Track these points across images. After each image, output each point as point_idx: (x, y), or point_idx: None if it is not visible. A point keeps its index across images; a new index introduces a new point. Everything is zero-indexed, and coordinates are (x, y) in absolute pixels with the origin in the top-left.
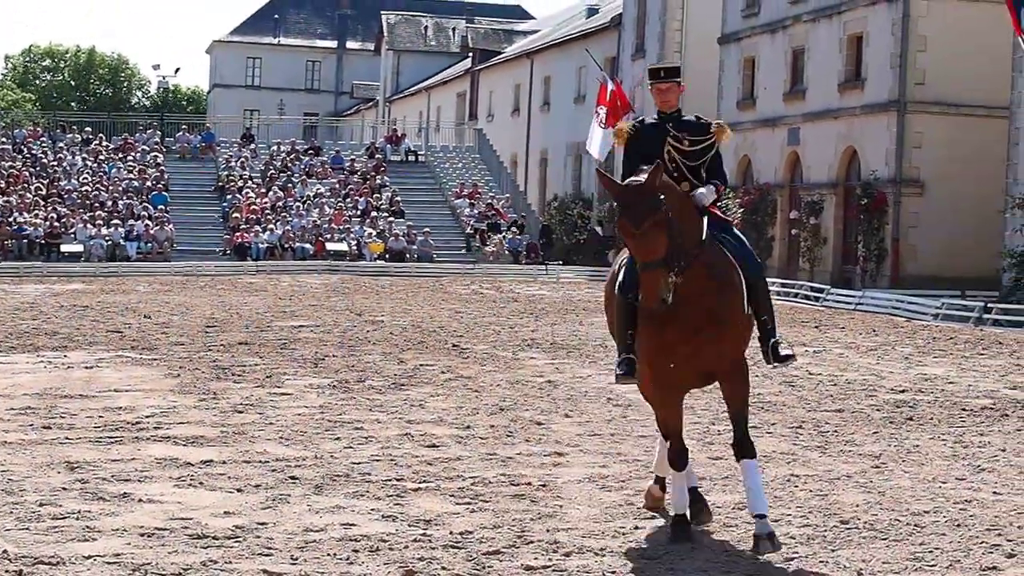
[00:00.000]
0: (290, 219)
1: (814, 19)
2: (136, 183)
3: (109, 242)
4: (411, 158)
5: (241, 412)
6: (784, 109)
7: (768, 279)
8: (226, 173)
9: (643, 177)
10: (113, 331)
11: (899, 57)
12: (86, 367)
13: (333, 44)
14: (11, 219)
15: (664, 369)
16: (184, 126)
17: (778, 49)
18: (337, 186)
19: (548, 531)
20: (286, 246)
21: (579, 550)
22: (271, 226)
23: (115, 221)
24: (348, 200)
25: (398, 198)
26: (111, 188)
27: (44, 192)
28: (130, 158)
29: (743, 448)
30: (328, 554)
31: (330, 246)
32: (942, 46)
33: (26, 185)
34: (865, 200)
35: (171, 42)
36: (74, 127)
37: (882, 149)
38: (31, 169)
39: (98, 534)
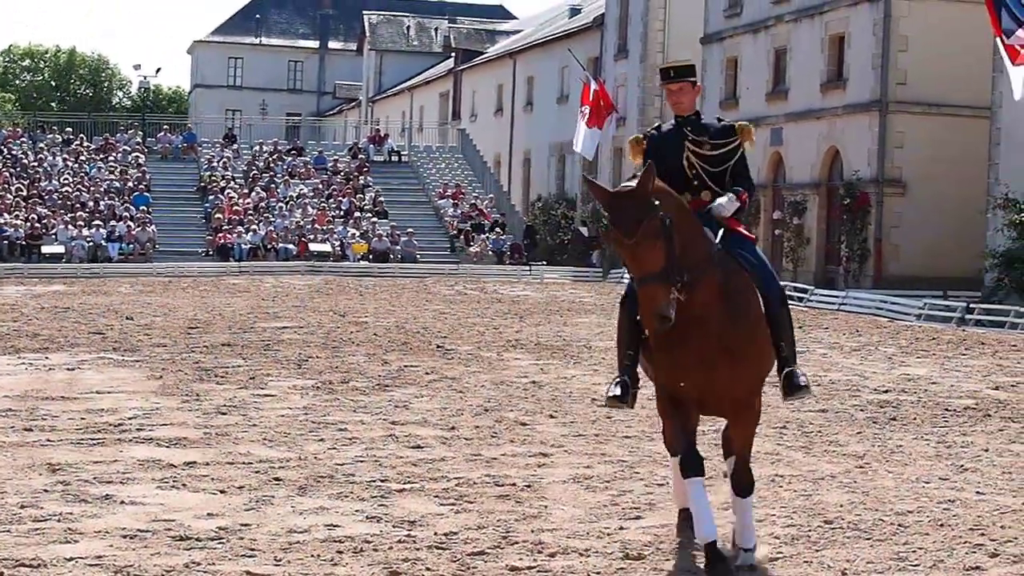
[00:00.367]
0: (273, 220)
1: (796, 19)
2: (118, 184)
3: (91, 243)
4: (394, 158)
5: (224, 413)
6: (767, 109)
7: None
8: (208, 173)
9: (635, 182)
10: (95, 332)
11: (881, 57)
12: (68, 369)
13: (315, 44)
14: None
15: (677, 389)
16: (166, 126)
17: (760, 49)
18: (320, 186)
19: (533, 532)
20: (269, 247)
21: (564, 551)
22: (254, 227)
23: (96, 222)
24: (331, 200)
25: (381, 198)
26: (92, 189)
27: (24, 193)
28: (111, 159)
29: (739, 485)
30: (312, 555)
31: (313, 247)
32: (924, 46)
33: (6, 186)
34: (848, 200)
35: (152, 42)
36: (55, 127)
37: (864, 149)
38: (11, 170)
39: (80, 536)
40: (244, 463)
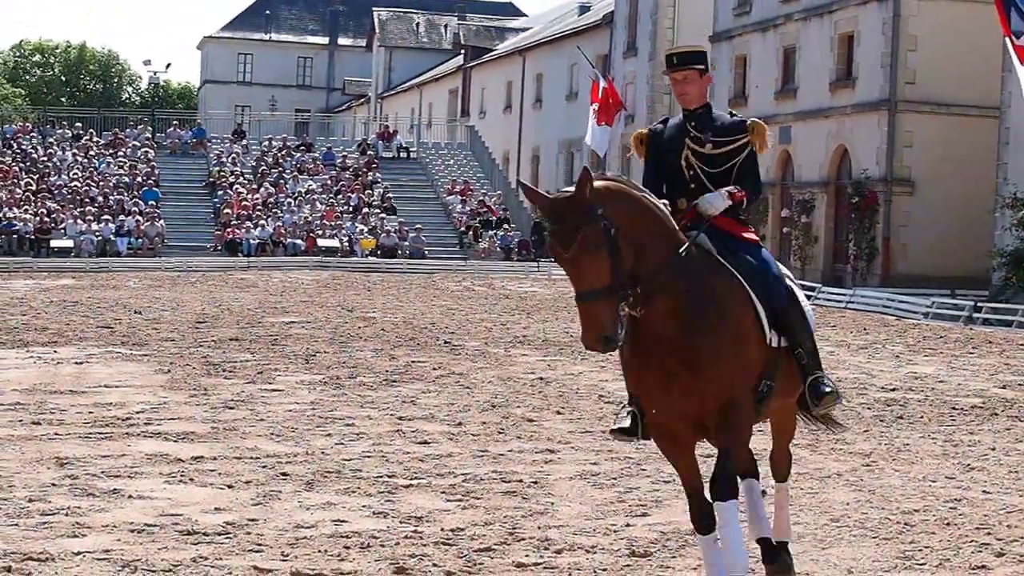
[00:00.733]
0: (281, 215)
1: (805, 18)
2: (127, 179)
3: (99, 238)
4: (403, 155)
5: (232, 408)
6: (776, 108)
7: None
8: (217, 169)
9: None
10: (103, 327)
11: (890, 56)
12: (76, 363)
13: (325, 40)
14: (1, 215)
15: (653, 417)
16: (175, 122)
17: (770, 48)
18: (329, 182)
19: (539, 528)
20: (277, 242)
21: (570, 547)
22: (262, 222)
23: (105, 217)
24: (340, 196)
25: (390, 195)
26: (101, 184)
27: (34, 187)
28: (121, 154)
29: (718, 488)
30: (319, 550)
31: (321, 242)
32: (933, 46)
33: (16, 180)
34: (856, 199)
35: (162, 38)
36: (64, 123)
37: (873, 148)
38: (21, 164)
39: (88, 530)
40: (251, 458)
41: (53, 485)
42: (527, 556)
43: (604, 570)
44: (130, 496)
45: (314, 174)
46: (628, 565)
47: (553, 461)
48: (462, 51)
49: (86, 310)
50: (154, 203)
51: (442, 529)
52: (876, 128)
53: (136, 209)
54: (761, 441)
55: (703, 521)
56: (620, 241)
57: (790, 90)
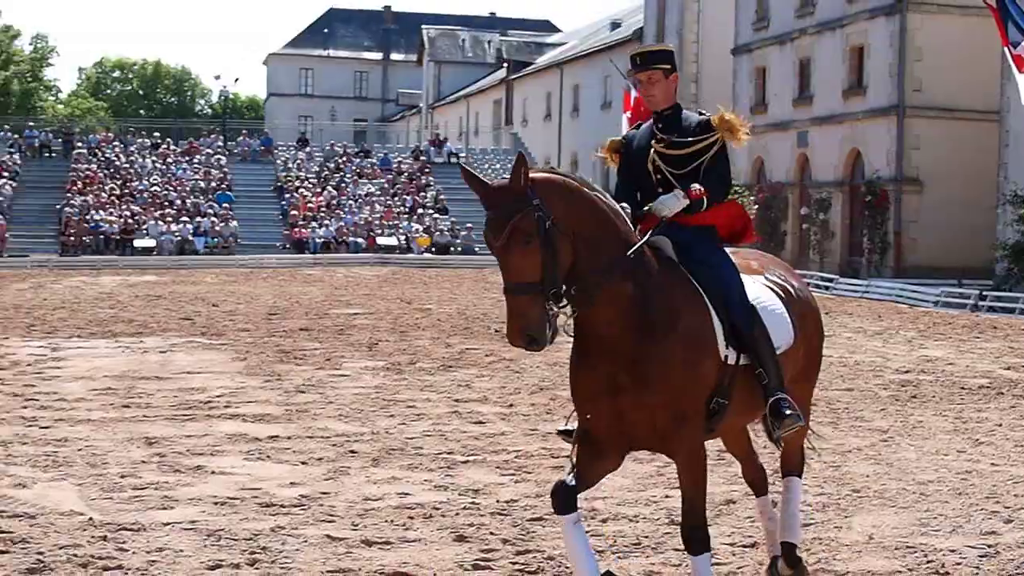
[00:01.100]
0: (344, 216)
1: (819, 31)
2: (202, 183)
3: (179, 237)
4: (453, 159)
5: (303, 392)
6: (793, 114)
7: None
8: (284, 174)
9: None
10: (184, 319)
11: (898, 66)
12: (160, 351)
13: (379, 56)
14: (89, 217)
15: (584, 421)
16: (244, 131)
17: (786, 59)
18: (386, 185)
19: (586, 499)
20: (340, 240)
21: (615, 517)
22: (326, 222)
23: (184, 218)
24: (396, 198)
25: (442, 196)
26: (179, 188)
27: (118, 192)
28: (196, 160)
29: (691, 542)
30: (386, 520)
31: (381, 240)
32: (937, 56)
33: (101, 186)
34: (869, 197)
35: (231, 55)
36: (143, 132)
37: (883, 150)
38: (105, 171)
39: (175, 503)
40: (322, 437)
41: (143, 462)
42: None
43: (646, 537)
44: (213, 472)
45: (372, 178)
46: (668, 533)
47: None
48: (504, 65)
49: (168, 303)
50: (227, 205)
51: (497, 501)
52: (886, 132)
53: (211, 211)
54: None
55: (561, 502)
56: (557, 236)
57: (806, 98)
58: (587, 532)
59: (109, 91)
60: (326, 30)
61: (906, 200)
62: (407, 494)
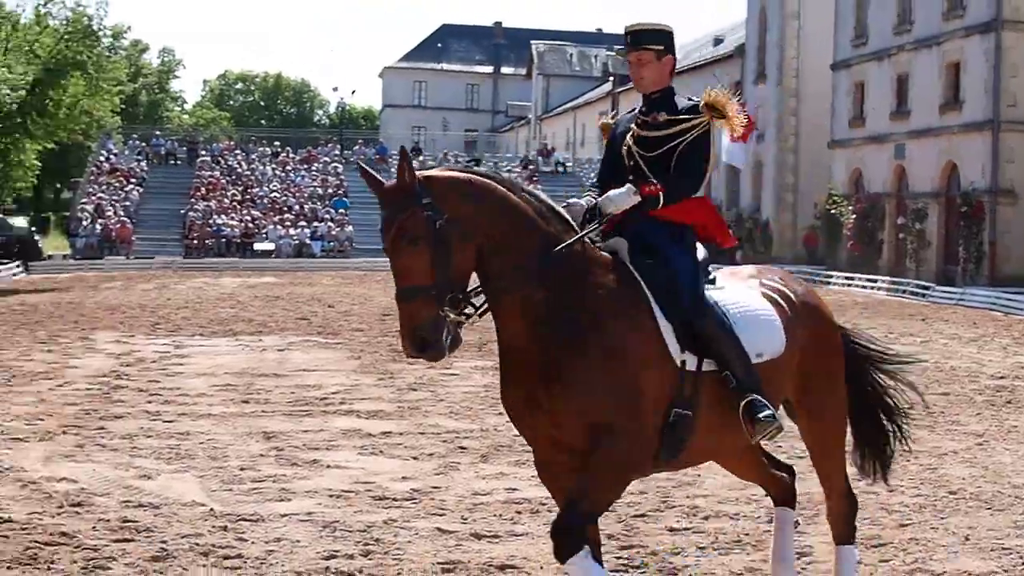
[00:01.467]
0: None
1: (916, 48)
2: (319, 190)
3: (297, 241)
4: (560, 169)
5: (415, 390)
6: (890, 127)
7: (876, 277)
8: None
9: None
10: (301, 318)
11: (993, 82)
12: (278, 350)
13: (489, 69)
14: (211, 221)
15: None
16: (360, 141)
17: (884, 75)
18: None
19: (688, 497)
20: None
21: (716, 514)
22: None
23: (301, 223)
24: None
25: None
26: (297, 194)
27: (239, 198)
28: (314, 168)
29: (554, 541)
30: (494, 514)
31: None
32: None
33: (223, 192)
34: (964, 208)
35: (348, 68)
36: (264, 141)
37: (979, 164)
38: (228, 178)
39: (292, 495)
40: (433, 433)
41: (261, 456)
42: (678, 521)
43: (746, 535)
44: (328, 466)
45: None
46: (767, 531)
47: None
48: (610, 78)
49: (286, 304)
50: (343, 211)
51: None
52: (981, 145)
53: (328, 216)
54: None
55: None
56: (452, 236)
57: (903, 112)
58: (689, 528)
59: (232, 102)
60: (439, 45)
61: (1000, 211)
62: (515, 489)
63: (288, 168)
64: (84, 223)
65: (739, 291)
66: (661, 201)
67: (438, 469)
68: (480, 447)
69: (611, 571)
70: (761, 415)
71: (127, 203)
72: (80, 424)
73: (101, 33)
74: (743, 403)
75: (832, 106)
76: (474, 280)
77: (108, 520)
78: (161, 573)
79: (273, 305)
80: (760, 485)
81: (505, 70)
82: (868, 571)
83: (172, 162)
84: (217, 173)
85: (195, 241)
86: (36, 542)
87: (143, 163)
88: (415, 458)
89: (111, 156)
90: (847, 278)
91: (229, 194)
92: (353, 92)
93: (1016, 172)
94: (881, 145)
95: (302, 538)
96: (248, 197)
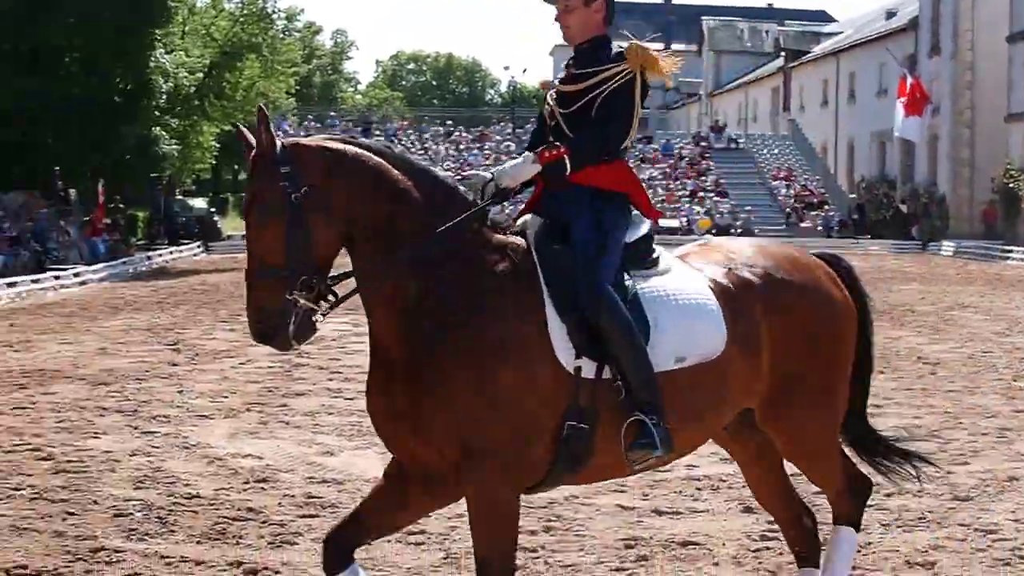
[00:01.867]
0: None
1: None
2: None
3: None
4: (732, 145)
5: None
6: None
7: None
8: None
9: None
10: None
11: None
12: None
13: (660, 46)
14: None
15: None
16: (532, 119)
17: None
18: (668, 170)
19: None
20: None
21: (899, 492)
22: None
23: None
24: (678, 182)
25: (722, 180)
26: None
27: None
28: (487, 147)
29: None
30: (675, 491)
31: (663, 222)
32: None
33: None
34: None
35: (518, 46)
36: (437, 121)
37: None
38: None
39: None
40: None
41: None
42: None
43: (930, 512)
44: None
45: (655, 163)
46: (951, 508)
47: (878, 415)
48: (782, 54)
49: None
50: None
51: None
52: None
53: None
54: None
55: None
56: (312, 213)
57: None
58: (872, 505)
59: (404, 82)
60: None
61: None
62: (695, 466)
63: (461, 147)
64: None
65: (679, 277)
66: (568, 166)
67: None
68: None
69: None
70: (642, 440)
71: None
72: (263, 401)
73: (275, 15)
74: (629, 420)
75: (1009, 79)
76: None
77: (293, 496)
78: None
79: None
80: (778, 522)
81: (676, 46)
82: None
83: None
84: None
85: None
86: (224, 517)
87: None
88: None
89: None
90: None
91: None
92: (524, 71)
93: None
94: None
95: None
96: None
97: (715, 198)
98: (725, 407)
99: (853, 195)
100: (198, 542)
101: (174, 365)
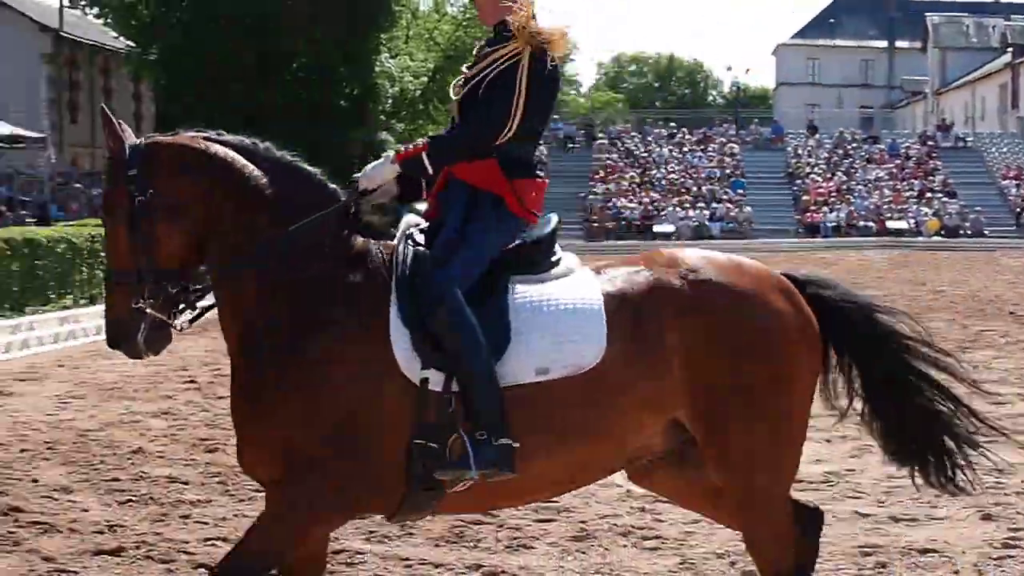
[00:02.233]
0: (853, 201)
1: None
2: (716, 171)
3: (696, 223)
4: (960, 144)
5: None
6: None
7: None
8: (794, 160)
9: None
10: None
11: None
12: None
13: (883, 44)
14: (611, 204)
15: None
16: (755, 120)
17: None
18: (894, 170)
19: None
20: (851, 225)
21: None
22: (837, 207)
23: (700, 204)
24: (904, 183)
25: (950, 180)
26: (695, 175)
27: (638, 180)
28: (710, 149)
29: None
30: (911, 498)
31: (890, 224)
32: None
33: (622, 175)
34: None
35: (740, 46)
36: (660, 123)
37: None
38: (625, 160)
39: None
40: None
41: None
42: None
43: None
44: None
45: (880, 163)
46: None
47: None
48: (1009, 49)
49: None
50: (741, 192)
51: (1021, 481)
52: None
53: (726, 197)
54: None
55: None
56: (155, 215)
57: None
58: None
59: (626, 84)
60: (831, 20)
61: None
62: None
63: (684, 149)
64: None
65: (570, 284)
66: (426, 164)
67: (851, 452)
68: None
69: None
70: (456, 459)
71: None
72: None
73: None
74: (452, 438)
75: None
76: None
77: None
78: (583, 552)
79: None
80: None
81: (900, 44)
82: None
83: (570, 146)
84: (615, 156)
85: (595, 225)
86: (462, 520)
87: (543, 148)
88: (827, 441)
89: None
90: None
91: (627, 177)
92: (747, 71)
93: None
94: None
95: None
96: (646, 179)
97: (943, 198)
98: (612, 423)
99: None
100: (436, 545)
101: None
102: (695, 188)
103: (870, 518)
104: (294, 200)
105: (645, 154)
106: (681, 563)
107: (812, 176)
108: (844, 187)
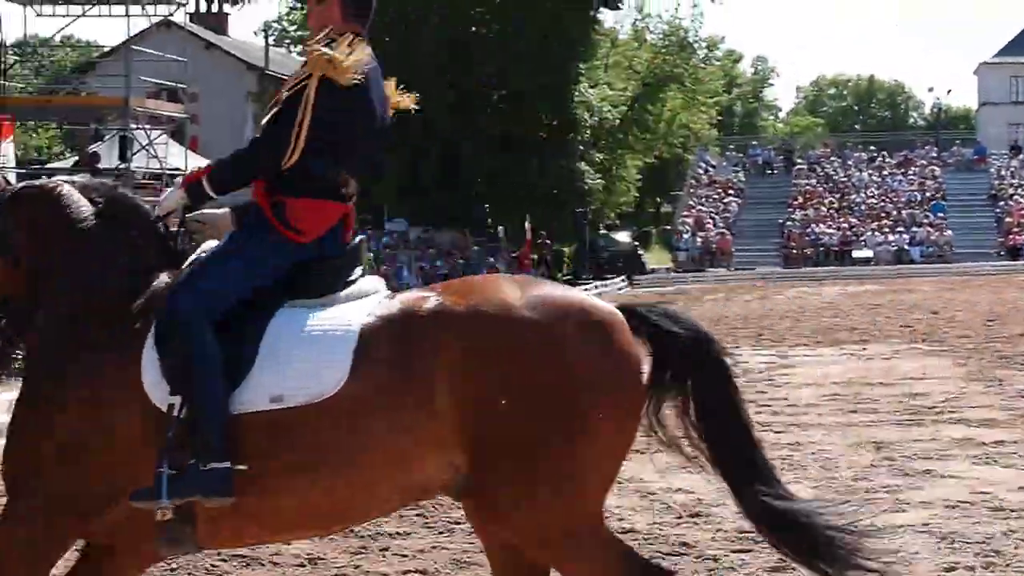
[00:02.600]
0: None
1: None
2: (916, 194)
3: (895, 247)
4: None
5: None
6: None
7: None
8: (998, 182)
9: None
10: (904, 326)
11: None
12: (883, 358)
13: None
14: (809, 230)
15: None
16: (957, 141)
17: None
18: None
19: None
20: None
21: None
22: None
23: (899, 228)
24: None
25: None
26: (894, 199)
27: (836, 205)
28: (910, 172)
29: None
30: None
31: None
32: None
33: (820, 199)
34: None
35: (941, 67)
36: (859, 146)
37: None
38: (824, 185)
39: (906, 505)
40: None
41: (872, 466)
42: None
43: None
44: (941, 476)
45: None
46: None
47: None
48: None
49: (888, 311)
50: (942, 215)
51: None
52: None
53: (926, 221)
54: None
55: None
56: (13, 254)
57: None
58: None
59: (825, 108)
60: None
61: None
62: None
63: (884, 173)
64: (685, 236)
65: (339, 309)
66: (206, 187)
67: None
68: None
69: None
70: (154, 488)
71: (726, 214)
72: None
73: (696, 45)
74: (181, 467)
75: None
76: None
77: (726, 531)
78: None
79: (875, 312)
80: None
81: None
82: None
83: (769, 172)
84: (813, 181)
85: (793, 251)
86: (659, 552)
87: (740, 174)
88: None
89: (709, 168)
90: None
91: (826, 202)
92: (949, 91)
93: None
94: None
95: (920, 549)
96: (845, 204)
97: None
98: (372, 454)
99: None
100: None
101: None
102: (895, 212)
103: None
104: (108, 237)
105: (844, 178)
106: None
107: (1016, 197)
108: None
